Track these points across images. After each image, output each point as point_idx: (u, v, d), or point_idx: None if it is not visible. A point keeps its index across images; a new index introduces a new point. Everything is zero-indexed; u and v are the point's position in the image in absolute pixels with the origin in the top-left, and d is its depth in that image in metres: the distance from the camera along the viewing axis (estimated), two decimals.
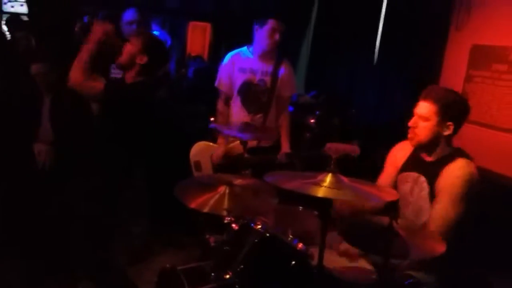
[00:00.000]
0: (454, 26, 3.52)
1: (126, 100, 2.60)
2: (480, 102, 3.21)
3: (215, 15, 5.61)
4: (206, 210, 2.01)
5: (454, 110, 2.19)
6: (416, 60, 3.76)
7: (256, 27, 3.17)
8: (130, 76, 2.67)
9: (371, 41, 4.57)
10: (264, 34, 3.14)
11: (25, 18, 4.53)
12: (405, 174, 2.37)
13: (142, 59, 2.63)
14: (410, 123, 2.27)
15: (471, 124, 3.26)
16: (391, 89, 4.24)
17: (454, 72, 3.46)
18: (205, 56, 5.74)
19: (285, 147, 3.29)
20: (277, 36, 3.13)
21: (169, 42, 5.43)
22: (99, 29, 2.58)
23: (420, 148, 2.29)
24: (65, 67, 2.68)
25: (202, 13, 5.62)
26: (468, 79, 3.33)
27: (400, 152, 2.46)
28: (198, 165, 3.31)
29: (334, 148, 2.83)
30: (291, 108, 4.79)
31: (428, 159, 2.29)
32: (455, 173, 2.15)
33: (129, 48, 2.64)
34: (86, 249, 2.72)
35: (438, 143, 2.24)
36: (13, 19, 4.44)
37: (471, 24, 3.38)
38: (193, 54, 5.64)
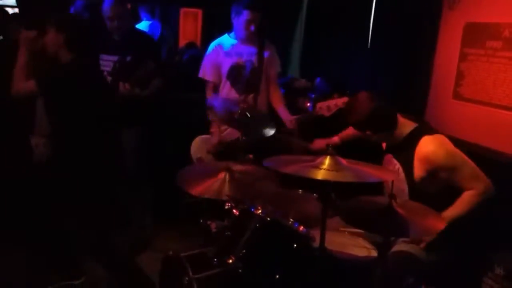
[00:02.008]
0: (446, 5, 3.50)
1: (61, 80, 2.62)
2: (475, 80, 3.21)
3: (205, 0, 5.56)
4: (207, 196, 2.04)
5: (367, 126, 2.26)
6: (410, 41, 3.74)
7: (232, 14, 3.20)
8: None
9: (364, 23, 4.55)
10: (240, 23, 3.17)
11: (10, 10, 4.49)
12: (385, 157, 2.45)
13: (59, 39, 2.63)
14: None
15: (467, 102, 3.27)
16: (385, 71, 4.23)
17: (448, 51, 3.45)
18: (198, 42, 5.70)
19: (287, 115, 3.25)
20: (252, 27, 3.16)
21: (159, 31, 5.39)
22: (24, 39, 2.66)
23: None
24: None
25: None
26: (463, 57, 3.32)
27: None
28: (200, 161, 3.32)
29: (325, 106, 2.86)
30: (282, 90, 4.75)
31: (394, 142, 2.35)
32: (425, 153, 2.19)
33: (46, 39, 2.66)
34: (90, 238, 2.75)
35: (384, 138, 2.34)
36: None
37: (464, 2, 3.36)
38: (186, 41, 5.60)
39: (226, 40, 3.33)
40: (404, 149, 2.26)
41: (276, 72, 3.41)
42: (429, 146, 2.19)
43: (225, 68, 3.29)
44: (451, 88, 3.37)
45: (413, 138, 2.24)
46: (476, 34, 3.23)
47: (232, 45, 3.28)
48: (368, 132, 2.27)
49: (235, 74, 3.29)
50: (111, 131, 2.89)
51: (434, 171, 2.19)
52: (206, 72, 3.35)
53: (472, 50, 3.25)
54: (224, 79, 3.31)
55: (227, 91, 3.32)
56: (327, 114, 2.87)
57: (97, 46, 3.42)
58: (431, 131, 2.26)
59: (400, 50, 3.81)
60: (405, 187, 2.28)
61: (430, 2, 3.59)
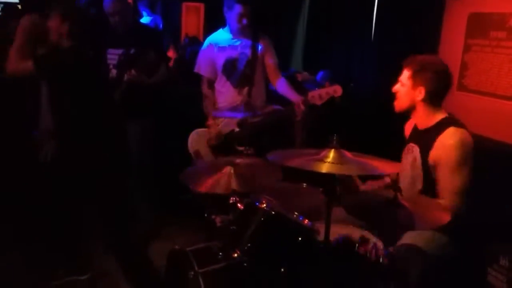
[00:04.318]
0: None
1: (60, 66, 2.60)
2: (479, 71, 3.20)
3: None
4: (215, 191, 2.06)
5: (425, 74, 2.21)
6: (413, 32, 3.73)
7: (225, 8, 3.22)
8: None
9: (368, 16, 4.53)
10: (232, 17, 3.19)
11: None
12: (407, 146, 2.41)
13: (64, 28, 2.60)
14: (393, 89, 2.33)
15: (471, 93, 3.26)
16: (390, 63, 4.22)
17: (452, 43, 3.43)
18: (201, 37, 5.69)
19: (296, 97, 3.12)
20: (244, 21, 3.17)
21: (160, 26, 5.38)
22: (25, 21, 2.66)
23: (404, 114, 2.35)
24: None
25: None
26: (467, 48, 3.31)
27: (408, 126, 2.50)
28: (197, 153, 3.32)
29: (317, 95, 2.86)
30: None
31: (420, 127, 2.33)
32: (446, 142, 2.16)
33: (50, 24, 2.63)
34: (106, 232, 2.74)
35: (417, 110, 2.28)
36: (9, 8, 4.39)
37: None
38: (188, 36, 5.58)
39: (221, 35, 3.36)
40: (428, 135, 2.24)
41: (274, 62, 3.38)
42: (450, 139, 2.15)
43: (220, 63, 3.32)
44: (455, 80, 3.36)
45: (441, 126, 2.22)
46: (480, 24, 3.21)
47: (227, 40, 3.32)
48: (420, 87, 2.22)
49: (230, 67, 3.31)
50: (116, 123, 2.87)
51: (436, 164, 2.17)
52: (200, 67, 3.40)
53: (476, 41, 3.23)
54: (219, 74, 3.35)
55: (224, 88, 3.34)
56: (319, 102, 2.87)
57: (102, 41, 3.41)
58: (458, 124, 2.22)
59: (404, 41, 3.80)
60: (421, 175, 2.25)
61: None
